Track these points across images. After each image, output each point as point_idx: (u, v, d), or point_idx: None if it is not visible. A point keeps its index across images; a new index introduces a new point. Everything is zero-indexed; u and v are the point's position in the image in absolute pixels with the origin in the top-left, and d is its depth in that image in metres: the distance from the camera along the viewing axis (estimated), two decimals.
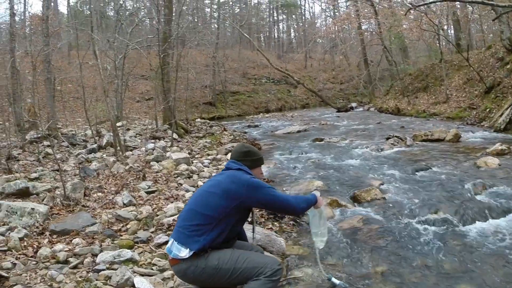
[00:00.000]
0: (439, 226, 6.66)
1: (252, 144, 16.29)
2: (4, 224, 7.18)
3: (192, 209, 4.21)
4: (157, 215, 7.23)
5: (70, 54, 41.42)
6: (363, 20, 36.96)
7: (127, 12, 32.46)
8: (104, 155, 14.44)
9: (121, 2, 35.86)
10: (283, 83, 46.23)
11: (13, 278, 5.22)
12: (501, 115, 16.73)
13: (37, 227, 7.00)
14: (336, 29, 42.29)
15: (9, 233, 6.69)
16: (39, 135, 16.79)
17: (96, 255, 5.66)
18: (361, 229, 6.75)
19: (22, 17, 41.60)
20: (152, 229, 6.67)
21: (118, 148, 13.67)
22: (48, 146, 15.72)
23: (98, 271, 5.22)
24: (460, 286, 4.87)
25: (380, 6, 34.36)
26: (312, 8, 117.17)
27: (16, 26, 27.50)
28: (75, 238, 6.37)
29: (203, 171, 11.64)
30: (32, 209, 7.35)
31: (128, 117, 27.97)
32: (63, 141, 17.22)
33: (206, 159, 13.61)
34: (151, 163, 12.09)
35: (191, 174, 11.12)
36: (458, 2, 26.46)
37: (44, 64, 21.47)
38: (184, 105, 27.94)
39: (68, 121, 26.66)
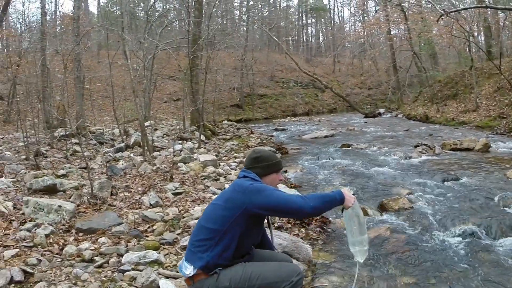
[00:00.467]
0: (467, 238, 6.50)
1: (278, 148, 16.21)
2: (31, 220, 7.21)
3: (200, 224, 3.99)
4: (184, 217, 7.18)
5: (100, 54, 41.76)
6: (392, 25, 36.63)
7: (157, 13, 32.59)
8: (132, 155, 14.49)
9: (151, 3, 36.10)
10: (310, 87, 46.07)
11: (38, 275, 5.23)
12: None
13: (63, 225, 7.01)
14: (365, 33, 42.07)
15: (36, 229, 6.72)
16: (68, 133, 16.91)
17: (121, 255, 5.64)
18: (388, 238, 6.63)
19: (53, 16, 42.09)
20: (178, 231, 6.63)
21: (146, 148, 13.67)
22: (76, 143, 15.83)
23: (123, 271, 5.19)
24: None
25: (410, 11, 34.04)
26: (341, 12, 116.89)
27: (47, 25, 27.79)
28: (101, 237, 6.37)
29: (230, 173, 11.59)
30: (59, 206, 7.36)
31: (156, 117, 28.09)
32: (91, 139, 17.33)
33: (233, 161, 13.58)
34: (179, 164, 12.05)
35: (218, 177, 11.08)
36: (489, 9, 26.17)
37: (74, 63, 21.63)
38: (211, 106, 27.99)
39: (96, 119, 26.87)
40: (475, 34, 33.13)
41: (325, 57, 57.09)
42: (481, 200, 8.27)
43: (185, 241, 6.07)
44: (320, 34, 74.42)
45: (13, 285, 4.99)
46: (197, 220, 6.74)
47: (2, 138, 20.07)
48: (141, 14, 44.48)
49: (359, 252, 4.09)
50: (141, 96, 15.68)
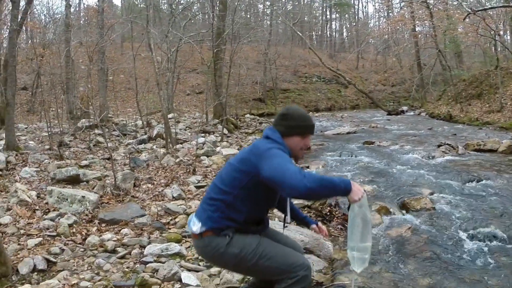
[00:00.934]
0: (489, 241, 6.37)
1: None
2: (54, 210, 7.27)
3: (213, 183, 3.69)
4: None
5: (123, 46, 41.94)
6: (417, 22, 36.29)
7: (180, 6, 32.63)
8: (154, 147, 14.53)
9: None
10: (333, 83, 45.83)
11: (61, 264, 5.27)
12: None
13: (86, 215, 7.07)
14: (390, 30, 41.77)
15: (59, 219, 6.78)
16: (91, 124, 17.00)
17: (144, 247, 5.67)
18: (408, 238, 6.53)
19: (77, 8, 42.35)
20: None
21: (169, 140, 13.68)
22: (99, 134, 15.91)
23: (146, 263, 5.21)
24: None
25: (435, 8, 33.65)
26: (365, 8, 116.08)
27: (71, 17, 27.97)
28: (123, 228, 6.40)
29: None
30: (83, 197, 7.40)
31: (178, 110, 28.16)
32: (114, 130, 17.42)
33: None
34: (201, 157, 12.07)
35: None
36: None
37: (98, 55, 21.75)
38: (234, 100, 27.98)
39: (119, 110, 27.00)
40: (501, 33, 32.69)
41: (348, 53, 56.80)
42: (504, 203, 8.11)
43: None
44: (344, 30, 74.17)
45: (36, 273, 5.05)
46: None
47: (26, 128, 20.27)
48: (165, 7, 44.50)
49: (357, 260, 3.50)
50: (164, 89, 15.67)
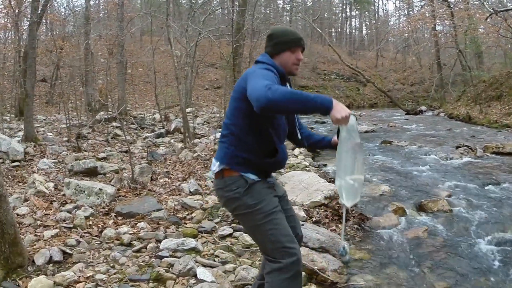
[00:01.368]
0: (506, 246, 6.26)
1: None
2: (71, 202, 7.30)
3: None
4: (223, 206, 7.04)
5: (142, 39, 42.06)
6: (438, 21, 36.00)
7: (200, 0, 32.65)
8: (172, 141, 14.55)
9: None
10: (352, 81, 45.70)
11: (76, 256, 5.27)
12: None
13: (103, 208, 7.08)
14: (410, 28, 41.49)
15: (76, 211, 6.79)
16: (109, 116, 17.07)
17: (160, 241, 5.64)
18: (425, 240, 6.46)
19: (97, 1, 42.53)
20: (217, 220, 6.58)
21: (187, 135, 13.68)
22: (117, 127, 15.98)
23: (161, 257, 5.18)
24: None
25: (456, 7, 33.33)
26: (385, 5, 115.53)
27: (91, 9, 28.11)
28: (140, 222, 6.39)
29: None
30: (100, 189, 7.41)
31: (196, 104, 28.20)
32: (132, 124, 17.47)
33: None
34: None
35: None
36: None
37: (117, 48, 21.85)
38: None
39: (137, 104, 27.09)
40: None
41: (368, 50, 56.51)
42: None
43: (223, 230, 6.04)
44: (364, 27, 73.86)
45: (51, 264, 5.04)
46: None
47: (44, 119, 20.40)
48: (184, 1, 44.53)
49: (345, 190, 3.14)
50: (183, 83, 15.70)
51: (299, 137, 3.83)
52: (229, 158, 3.37)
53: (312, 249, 5.47)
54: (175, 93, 27.08)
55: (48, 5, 17.60)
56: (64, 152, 12.11)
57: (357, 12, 71.22)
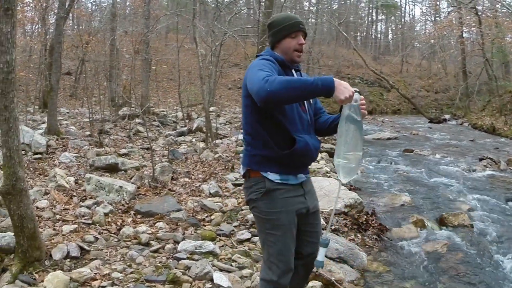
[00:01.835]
0: None
1: None
2: (91, 198, 7.33)
3: None
4: (242, 210, 7.01)
5: (167, 36, 42.18)
6: (465, 29, 35.60)
7: (225, 0, 32.66)
8: (194, 140, 14.55)
9: None
10: (376, 86, 45.31)
11: (94, 252, 5.30)
12: None
13: (122, 205, 7.10)
14: (436, 35, 41.12)
15: (95, 207, 6.82)
16: (132, 113, 17.15)
17: (178, 242, 5.63)
18: (444, 255, 6.35)
19: None
20: (236, 223, 6.53)
21: (209, 135, 13.66)
22: (140, 123, 16.03)
23: (178, 259, 5.18)
24: None
25: (483, 15, 32.92)
26: (412, 10, 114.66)
27: (117, 6, 28.29)
28: (159, 221, 6.39)
29: None
30: (120, 187, 7.44)
31: (219, 103, 28.21)
32: (154, 120, 17.52)
33: None
34: (240, 154, 11.77)
35: None
36: None
37: (143, 45, 21.96)
38: None
39: (160, 100, 27.16)
40: None
41: (393, 56, 56.13)
42: None
43: (241, 234, 6.00)
44: (389, 32, 73.37)
45: (68, 260, 5.08)
46: None
47: (68, 113, 20.53)
48: (210, 0, 44.62)
49: (342, 168, 3.09)
50: (207, 82, 15.70)
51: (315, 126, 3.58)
52: (249, 158, 3.34)
53: (330, 259, 5.43)
54: (198, 91, 27.14)
55: (75, 1, 17.72)
56: (86, 146, 12.17)
57: (383, 17, 70.84)
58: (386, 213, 8.08)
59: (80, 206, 6.85)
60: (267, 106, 3.02)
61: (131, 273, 4.82)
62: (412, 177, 11.42)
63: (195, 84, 28.96)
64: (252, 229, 6.17)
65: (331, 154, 12.31)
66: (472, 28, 35.28)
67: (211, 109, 19.30)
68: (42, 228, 5.76)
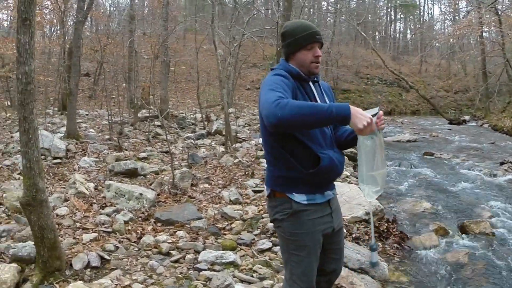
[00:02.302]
0: None
1: None
2: (111, 205, 7.34)
3: None
4: (263, 218, 6.91)
5: (185, 37, 42.23)
6: (485, 29, 35.22)
7: (243, 1, 32.72)
8: (213, 143, 14.53)
9: None
10: (395, 86, 45.04)
11: (114, 262, 5.29)
12: None
13: (142, 213, 7.09)
14: (456, 34, 40.79)
15: (115, 214, 6.83)
16: (151, 115, 17.19)
17: (198, 252, 5.59)
18: (465, 264, 6.25)
19: None
20: (256, 232, 6.45)
21: (228, 138, 13.61)
22: (159, 126, 16.06)
23: (199, 270, 5.14)
24: None
25: (503, 14, 32.53)
26: (431, 9, 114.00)
27: (135, 6, 28.44)
28: (179, 230, 6.36)
29: None
30: (140, 194, 7.43)
31: (237, 104, 28.21)
32: (173, 123, 17.57)
33: None
34: (260, 159, 11.57)
35: None
36: None
37: (161, 47, 22.02)
38: None
39: (179, 101, 27.21)
40: None
41: (412, 55, 55.78)
42: None
43: (262, 244, 5.94)
44: (408, 31, 72.92)
45: (89, 269, 5.07)
46: None
47: (87, 115, 20.62)
48: (228, 0, 44.65)
49: (368, 192, 3.09)
50: (226, 83, 15.70)
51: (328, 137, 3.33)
52: (272, 180, 3.21)
53: (352, 269, 5.37)
54: (216, 92, 27.17)
55: (93, 4, 17.82)
56: (105, 150, 12.20)
57: (401, 16, 70.47)
58: (406, 220, 8.01)
59: (100, 214, 6.86)
60: (276, 131, 2.92)
61: (152, 284, 4.80)
62: (432, 182, 11.30)
63: (214, 84, 29.00)
64: (273, 238, 6.09)
65: (350, 158, 12.20)
66: (492, 28, 34.93)
67: (230, 110, 19.29)
68: (62, 237, 5.76)
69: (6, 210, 6.84)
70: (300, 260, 3.15)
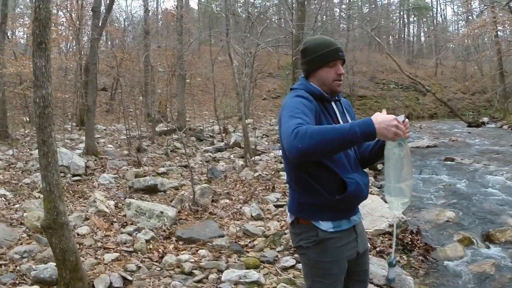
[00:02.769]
0: None
1: None
2: (132, 224, 7.30)
3: None
4: (285, 233, 6.83)
5: (200, 49, 42.34)
6: (500, 28, 34.89)
7: (256, 10, 32.75)
8: (232, 156, 14.48)
9: (251, 1, 36.25)
10: (411, 90, 44.73)
11: (136, 282, 5.26)
12: None
13: (164, 231, 7.05)
14: (471, 34, 40.46)
15: (136, 233, 6.80)
16: (169, 128, 17.22)
17: (221, 272, 5.55)
18: (491, 276, 6.12)
19: (155, 12, 43.19)
20: (279, 248, 6.39)
21: (247, 152, 13.51)
22: (177, 139, 16.07)
23: None
24: None
25: None
26: (444, 11, 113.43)
27: (149, 20, 28.66)
28: (201, 249, 6.31)
29: None
30: (161, 212, 7.40)
31: (254, 114, 28.19)
32: (191, 136, 17.58)
33: None
34: (280, 172, 11.41)
35: None
36: None
37: (176, 60, 22.13)
38: None
39: (196, 113, 27.24)
40: None
41: (427, 58, 55.46)
42: None
43: (286, 261, 5.87)
44: (422, 34, 72.55)
45: None
46: None
47: (105, 130, 20.68)
48: (240, 10, 44.79)
49: (395, 205, 2.89)
50: (242, 94, 15.65)
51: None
52: (296, 208, 3.08)
53: (377, 286, 5.27)
54: (233, 103, 27.17)
55: (107, 20, 17.94)
56: (125, 166, 12.18)
57: (415, 19, 70.23)
58: (430, 231, 7.89)
59: (121, 233, 6.84)
60: (302, 161, 2.77)
61: None
62: (454, 189, 11.13)
63: (230, 96, 29.00)
64: (296, 255, 5.99)
65: (371, 167, 12.10)
66: (507, 26, 34.65)
67: (248, 121, 19.27)
68: (83, 257, 5.75)
69: (27, 230, 6.83)
70: (324, 287, 3.05)
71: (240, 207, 8.42)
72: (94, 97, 14.19)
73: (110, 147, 15.40)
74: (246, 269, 5.58)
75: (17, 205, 8.28)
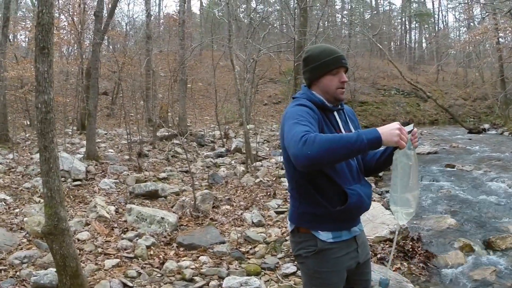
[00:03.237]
0: None
1: None
2: (133, 229, 7.28)
3: None
4: (286, 240, 6.80)
5: (202, 54, 42.39)
6: (501, 34, 34.89)
7: (257, 15, 32.79)
8: (233, 162, 14.47)
9: (254, 7, 36.28)
10: (412, 96, 44.75)
11: None
12: None
13: (164, 237, 7.03)
14: (473, 41, 40.47)
15: (137, 239, 6.78)
16: (170, 133, 17.21)
17: (222, 278, 5.52)
18: (492, 283, 6.10)
19: (157, 16, 43.24)
20: (280, 255, 6.37)
21: (248, 158, 13.50)
22: (178, 144, 16.06)
23: None
24: None
25: None
26: (445, 17, 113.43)
27: (151, 25, 28.68)
28: (202, 255, 6.29)
29: None
30: (162, 218, 7.38)
31: (255, 120, 28.19)
32: (192, 141, 17.57)
33: None
34: (281, 178, 11.35)
35: None
36: None
37: (178, 66, 22.14)
38: None
39: (197, 118, 27.26)
40: None
41: (428, 65, 55.50)
42: None
43: (287, 268, 5.85)
44: (423, 41, 72.63)
45: None
46: None
47: (105, 134, 20.68)
48: (242, 15, 44.81)
49: (400, 215, 2.87)
50: (243, 99, 15.66)
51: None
52: (297, 216, 3.06)
53: None
54: (233, 108, 27.18)
55: (109, 25, 17.94)
56: (125, 171, 12.18)
57: (416, 25, 70.33)
58: (431, 238, 7.87)
59: (122, 239, 6.82)
60: (310, 169, 2.71)
61: None
62: (455, 196, 11.12)
63: (231, 101, 29.01)
64: (297, 262, 5.98)
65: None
66: (508, 33, 34.65)
67: (249, 126, 19.27)
68: (84, 263, 5.74)
69: (27, 235, 6.81)
70: None
71: (241, 213, 8.40)
72: (95, 101, 14.18)
73: (111, 152, 15.39)
74: (247, 275, 5.57)
75: (17, 210, 8.29)
